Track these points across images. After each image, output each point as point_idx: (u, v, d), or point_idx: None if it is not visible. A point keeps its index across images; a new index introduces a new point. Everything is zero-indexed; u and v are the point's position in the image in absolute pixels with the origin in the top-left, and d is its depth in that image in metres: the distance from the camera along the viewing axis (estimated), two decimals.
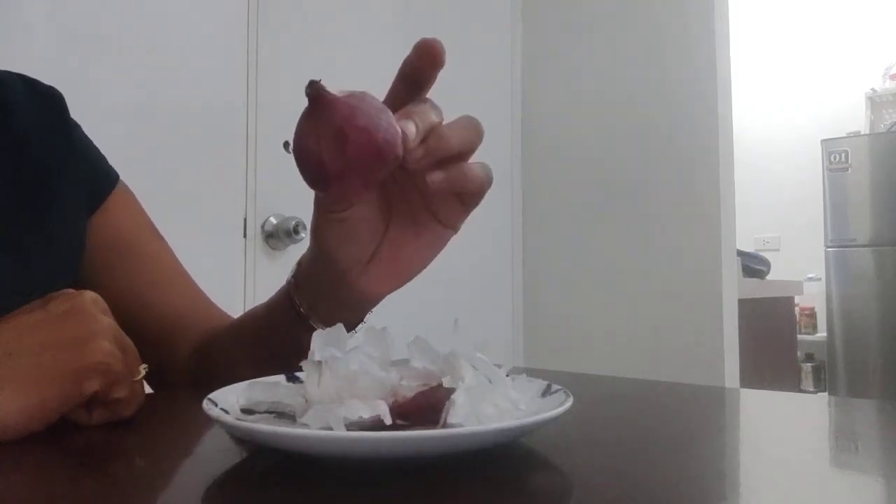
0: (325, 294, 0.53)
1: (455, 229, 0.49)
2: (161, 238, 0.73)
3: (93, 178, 0.69)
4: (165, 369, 0.65)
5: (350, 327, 0.55)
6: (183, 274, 0.72)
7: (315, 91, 0.37)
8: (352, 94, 0.39)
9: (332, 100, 0.38)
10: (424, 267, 0.51)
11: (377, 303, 0.55)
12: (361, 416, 0.33)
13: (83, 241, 0.67)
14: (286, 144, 0.44)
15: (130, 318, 0.58)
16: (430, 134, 0.42)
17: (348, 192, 0.42)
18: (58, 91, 0.70)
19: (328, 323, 0.54)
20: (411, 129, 0.40)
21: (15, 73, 0.68)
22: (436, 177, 0.43)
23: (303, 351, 0.54)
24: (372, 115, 0.38)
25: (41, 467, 0.32)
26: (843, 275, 3.87)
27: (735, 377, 1.82)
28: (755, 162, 4.34)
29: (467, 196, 0.47)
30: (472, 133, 0.44)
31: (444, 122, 0.43)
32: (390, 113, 0.40)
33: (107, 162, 0.72)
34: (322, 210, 0.49)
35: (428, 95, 0.44)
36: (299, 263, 0.56)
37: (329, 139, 0.37)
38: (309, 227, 0.51)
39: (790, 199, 4.46)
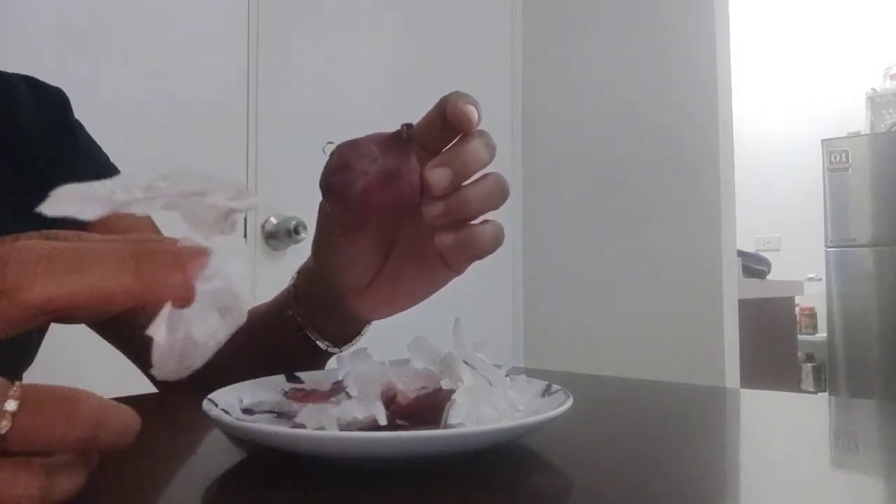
0: (322, 307, 0.53)
1: (459, 273, 0.47)
2: (158, 232, 0.73)
3: (96, 178, 0.69)
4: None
5: (348, 339, 0.56)
6: None
7: (408, 134, 0.41)
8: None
9: (410, 152, 0.41)
10: (422, 300, 0.49)
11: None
12: (356, 417, 0.33)
13: None
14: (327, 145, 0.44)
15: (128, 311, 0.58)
16: (453, 197, 0.41)
17: (360, 214, 0.43)
18: (63, 92, 0.70)
19: (324, 332, 0.54)
20: (440, 180, 0.40)
21: (20, 74, 0.68)
22: (445, 240, 0.42)
23: (293, 354, 0.55)
24: (415, 174, 0.41)
25: None
26: (844, 275, 3.87)
27: (735, 377, 1.81)
28: (756, 162, 4.34)
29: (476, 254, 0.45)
30: (497, 196, 0.43)
31: (482, 171, 0.42)
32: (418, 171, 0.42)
33: (108, 159, 0.72)
34: (326, 231, 0.48)
35: (438, 103, 0.42)
36: (299, 272, 0.56)
37: (382, 170, 0.41)
38: (311, 237, 0.50)
39: (790, 199, 4.46)
